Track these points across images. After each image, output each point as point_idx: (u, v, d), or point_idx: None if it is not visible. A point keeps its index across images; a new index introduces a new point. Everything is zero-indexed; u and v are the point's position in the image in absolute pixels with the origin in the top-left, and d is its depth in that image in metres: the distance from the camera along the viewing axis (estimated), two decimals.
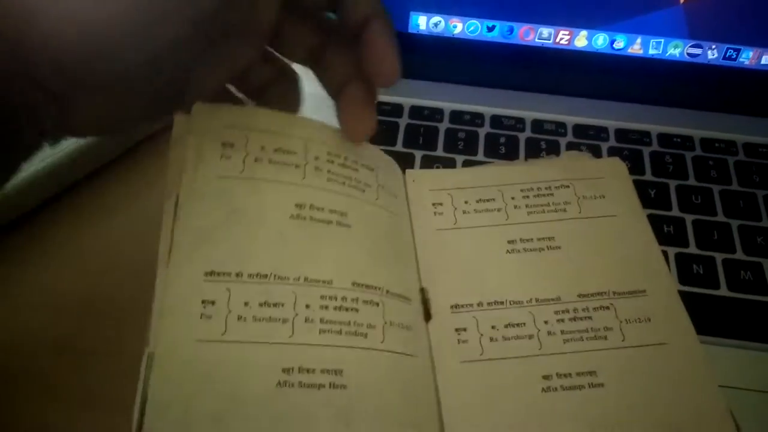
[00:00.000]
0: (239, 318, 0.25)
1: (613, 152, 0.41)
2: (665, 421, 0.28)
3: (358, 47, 0.28)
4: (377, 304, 0.28)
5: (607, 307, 0.31)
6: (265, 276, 0.27)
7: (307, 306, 0.27)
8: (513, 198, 0.34)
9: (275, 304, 0.26)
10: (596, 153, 0.41)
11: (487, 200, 0.34)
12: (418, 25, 0.45)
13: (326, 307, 0.27)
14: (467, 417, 0.27)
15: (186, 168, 0.27)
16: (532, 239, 0.33)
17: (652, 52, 0.43)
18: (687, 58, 0.43)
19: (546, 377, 0.28)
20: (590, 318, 0.30)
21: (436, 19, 0.45)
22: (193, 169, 0.28)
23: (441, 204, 0.34)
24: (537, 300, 0.31)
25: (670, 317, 0.31)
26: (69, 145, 0.37)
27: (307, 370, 0.25)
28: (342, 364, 0.26)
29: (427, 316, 0.30)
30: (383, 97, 0.43)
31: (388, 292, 0.29)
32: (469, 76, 0.45)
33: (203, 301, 0.25)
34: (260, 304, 0.26)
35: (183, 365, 0.24)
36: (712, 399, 0.28)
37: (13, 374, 0.31)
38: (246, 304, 0.26)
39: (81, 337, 0.32)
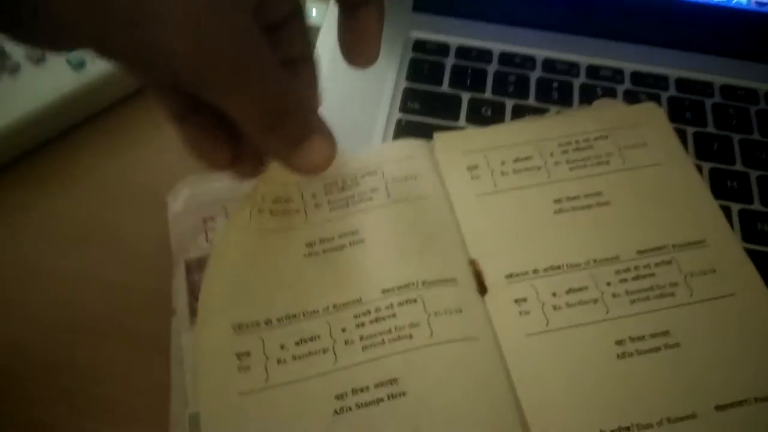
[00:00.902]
0: (279, 361, 0.26)
1: (673, 102, 0.38)
2: (745, 375, 0.26)
3: (347, 20, 0.27)
4: (414, 301, 0.27)
5: (669, 262, 0.29)
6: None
7: (343, 330, 0.27)
8: (551, 154, 0.32)
9: (311, 339, 0.26)
10: (656, 102, 0.37)
11: (525, 159, 0.32)
12: None
13: (362, 324, 0.27)
14: (543, 393, 0.26)
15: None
16: (578, 197, 0.31)
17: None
18: (754, 7, 0.40)
19: (619, 342, 0.27)
20: (653, 275, 0.28)
21: None
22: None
23: (477, 167, 0.32)
24: (595, 261, 0.29)
25: (735, 266, 0.29)
26: (93, 73, 0.36)
27: (361, 390, 0.25)
28: (395, 372, 0.26)
29: (482, 289, 0.28)
30: (428, 36, 0.41)
31: (424, 283, 0.28)
32: (520, 18, 0.42)
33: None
34: (296, 343, 0.26)
35: (231, 420, 0.25)
36: None
37: (31, 305, 0.31)
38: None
39: (103, 267, 0.32)
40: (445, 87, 0.38)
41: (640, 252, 0.29)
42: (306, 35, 0.28)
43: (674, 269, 0.29)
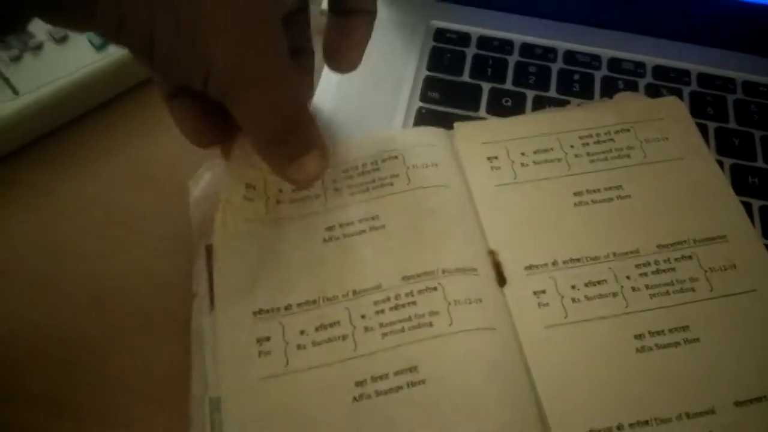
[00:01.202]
0: (299, 347, 0.26)
1: (695, 97, 0.38)
2: (765, 371, 0.26)
3: (337, 25, 0.28)
4: (434, 289, 0.27)
5: (689, 257, 0.29)
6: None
7: (363, 316, 0.27)
8: (572, 146, 0.32)
9: (331, 325, 0.26)
10: (678, 97, 0.37)
11: (545, 150, 0.32)
12: None
13: (382, 311, 0.27)
14: (561, 385, 0.26)
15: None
16: (599, 189, 0.31)
17: None
18: None
19: (638, 336, 0.27)
20: (673, 270, 0.28)
21: None
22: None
23: (497, 158, 0.32)
24: (615, 254, 0.29)
25: (755, 262, 0.29)
26: (115, 54, 0.36)
27: (380, 377, 0.25)
28: (415, 360, 0.26)
29: (502, 280, 0.28)
30: (450, 25, 0.41)
31: (444, 271, 0.28)
32: (542, 9, 0.42)
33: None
34: (316, 329, 0.26)
35: (252, 404, 0.25)
36: None
37: (54, 282, 0.31)
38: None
39: (122, 248, 0.32)
40: (465, 77, 0.38)
41: (660, 246, 0.29)
42: (309, 27, 0.29)
43: (694, 264, 0.29)
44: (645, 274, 0.28)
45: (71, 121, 0.36)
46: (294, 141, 0.25)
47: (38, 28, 0.36)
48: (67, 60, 0.35)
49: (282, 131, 0.25)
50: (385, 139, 0.32)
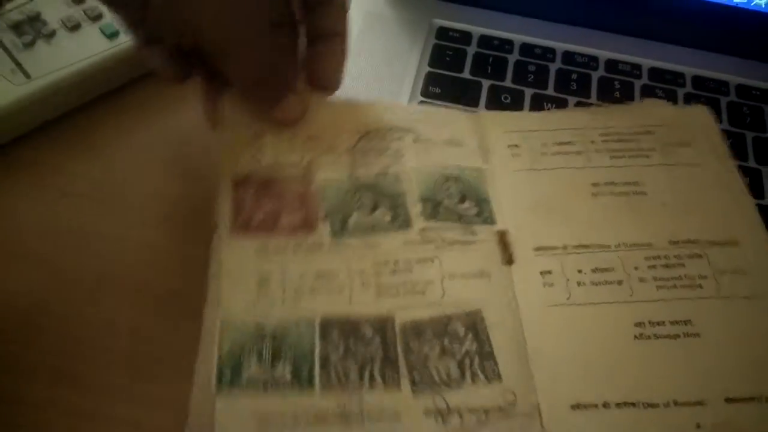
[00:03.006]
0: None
1: (689, 99, 0.40)
2: (761, 374, 0.27)
3: (313, 53, 0.31)
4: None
5: (700, 256, 0.30)
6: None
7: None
8: (593, 142, 0.34)
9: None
10: (672, 98, 0.40)
11: (566, 143, 0.34)
12: None
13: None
14: (555, 358, 0.27)
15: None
16: (616, 183, 0.32)
17: (736, 0, 0.40)
18: None
19: (638, 324, 0.28)
20: (683, 265, 0.30)
21: None
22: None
23: (517, 146, 0.34)
24: (626, 245, 0.30)
25: (766, 271, 0.30)
26: (126, 43, 0.37)
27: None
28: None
29: (509, 260, 0.30)
30: (452, 24, 0.43)
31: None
32: (542, 11, 0.44)
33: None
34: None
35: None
36: None
37: (60, 262, 0.32)
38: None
39: (129, 229, 0.33)
40: (466, 73, 0.41)
41: (672, 242, 0.31)
42: (340, 13, 0.31)
43: (704, 263, 0.30)
44: (654, 267, 0.30)
45: (81, 107, 0.39)
46: (274, 86, 0.29)
47: (51, 16, 0.38)
48: (79, 47, 0.37)
49: (262, 79, 0.29)
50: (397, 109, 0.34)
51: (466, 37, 0.42)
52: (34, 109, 0.36)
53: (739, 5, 0.41)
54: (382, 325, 0.28)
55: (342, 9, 0.31)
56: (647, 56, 0.42)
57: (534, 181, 0.32)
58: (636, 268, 0.30)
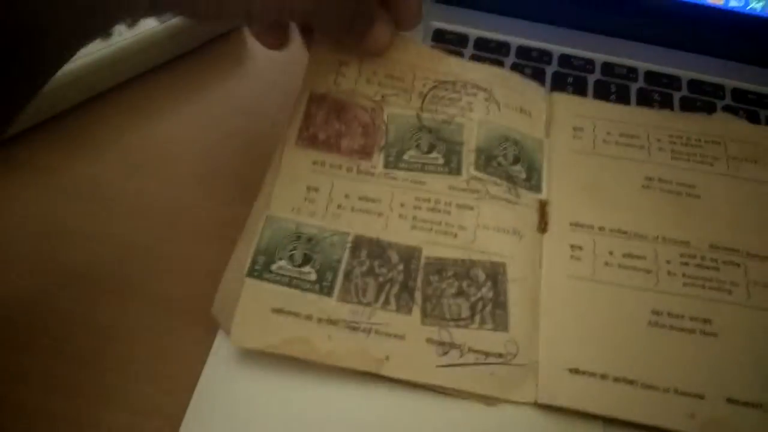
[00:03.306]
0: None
1: (684, 102, 0.40)
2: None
3: None
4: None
5: (738, 265, 0.31)
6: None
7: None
8: (658, 140, 0.35)
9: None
10: (667, 102, 0.40)
11: (631, 136, 0.35)
12: None
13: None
14: (565, 325, 0.28)
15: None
16: (671, 181, 0.33)
17: (732, 3, 0.41)
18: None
19: (656, 312, 0.29)
20: (717, 269, 0.31)
21: None
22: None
23: (582, 129, 0.35)
24: (664, 239, 0.31)
25: None
26: (119, 44, 0.37)
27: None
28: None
29: (544, 228, 0.31)
30: (448, 26, 0.43)
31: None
32: (538, 13, 0.44)
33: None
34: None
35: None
36: None
37: (56, 263, 0.32)
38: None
39: (127, 230, 0.33)
40: None
41: (712, 246, 0.31)
42: None
43: (740, 272, 0.31)
44: (686, 264, 0.31)
45: (78, 105, 0.38)
46: (361, 21, 0.31)
47: None
48: None
49: (349, 19, 0.30)
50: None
51: (462, 39, 0.42)
52: (31, 110, 0.34)
53: (734, 9, 0.40)
54: (409, 255, 0.30)
55: None
56: (643, 59, 0.42)
57: (588, 164, 0.33)
58: (668, 262, 0.30)
